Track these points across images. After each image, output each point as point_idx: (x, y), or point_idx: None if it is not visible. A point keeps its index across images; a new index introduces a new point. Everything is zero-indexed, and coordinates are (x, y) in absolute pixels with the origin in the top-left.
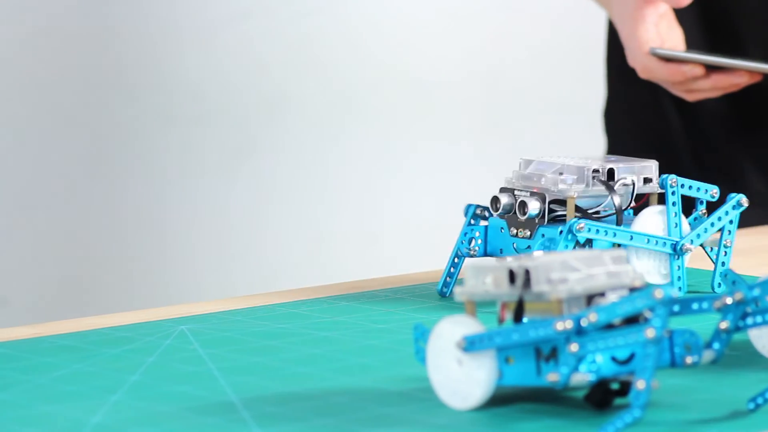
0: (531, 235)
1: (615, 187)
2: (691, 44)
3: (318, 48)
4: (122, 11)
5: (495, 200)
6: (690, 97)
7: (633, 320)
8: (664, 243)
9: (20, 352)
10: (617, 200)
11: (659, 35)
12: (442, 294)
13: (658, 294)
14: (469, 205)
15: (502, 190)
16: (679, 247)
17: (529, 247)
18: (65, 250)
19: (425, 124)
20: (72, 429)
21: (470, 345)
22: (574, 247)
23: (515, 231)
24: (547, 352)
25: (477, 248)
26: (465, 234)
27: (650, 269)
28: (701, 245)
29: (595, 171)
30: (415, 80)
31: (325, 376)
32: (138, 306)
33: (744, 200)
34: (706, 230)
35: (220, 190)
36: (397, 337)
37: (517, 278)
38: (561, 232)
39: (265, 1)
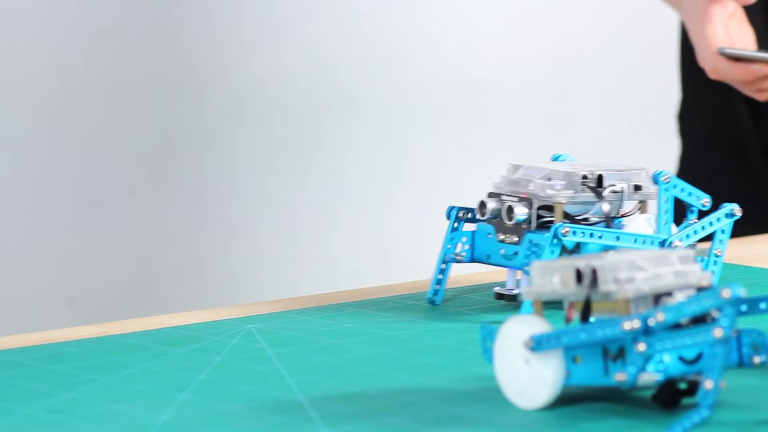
0: (518, 240)
1: (604, 194)
2: (763, 43)
3: (384, 47)
4: (189, 11)
5: (482, 205)
6: (760, 97)
7: (700, 320)
8: (652, 241)
9: (87, 351)
10: (606, 207)
11: (728, 35)
12: (432, 302)
13: (726, 293)
14: (452, 207)
15: (490, 195)
16: (667, 245)
17: (516, 253)
18: (132, 250)
19: (492, 124)
20: (140, 428)
21: (538, 344)
22: (561, 253)
23: (502, 236)
24: (615, 352)
25: (464, 254)
26: (452, 239)
27: None
28: None
29: (584, 177)
30: (480, 80)
31: (392, 375)
32: (205, 305)
33: (737, 210)
34: (696, 232)
35: (286, 189)
36: (464, 336)
37: (585, 278)
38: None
39: (332, 1)
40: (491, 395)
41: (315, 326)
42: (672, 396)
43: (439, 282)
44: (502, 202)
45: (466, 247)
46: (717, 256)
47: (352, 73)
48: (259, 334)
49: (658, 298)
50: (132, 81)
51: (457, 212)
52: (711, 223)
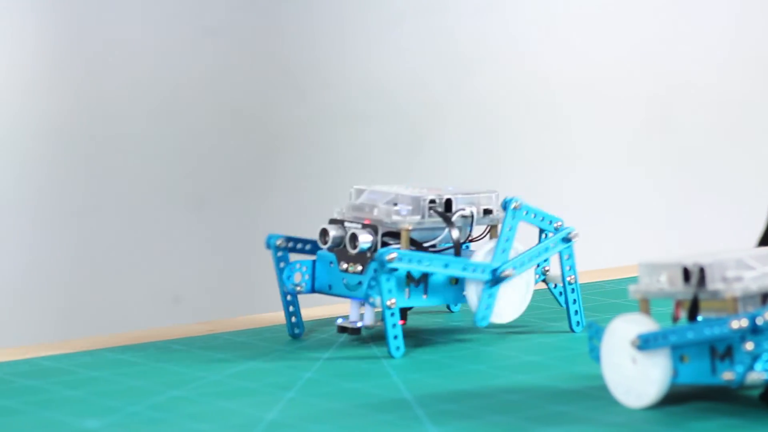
0: (363, 270)
1: (453, 219)
2: None
3: (495, 44)
4: (293, 10)
5: (324, 233)
6: None
7: None
8: (483, 269)
9: (194, 349)
10: (455, 233)
11: None
12: (296, 336)
13: None
14: (271, 236)
15: (332, 221)
16: (498, 273)
17: (360, 283)
18: (238, 248)
19: (597, 123)
20: (246, 426)
21: (645, 343)
22: (408, 284)
23: (345, 266)
24: (722, 351)
25: (303, 284)
26: (291, 268)
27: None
28: (544, 281)
29: (432, 201)
30: (582, 79)
31: (498, 373)
32: (310, 303)
33: (573, 234)
34: (530, 259)
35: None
36: (571, 335)
37: (692, 276)
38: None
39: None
40: (598, 394)
41: (421, 324)
42: None
43: (293, 314)
44: (345, 229)
45: (306, 277)
46: (571, 283)
47: (456, 72)
48: (365, 332)
49: (766, 297)
50: (236, 81)
51: (276, 241)
52: (546, 249)
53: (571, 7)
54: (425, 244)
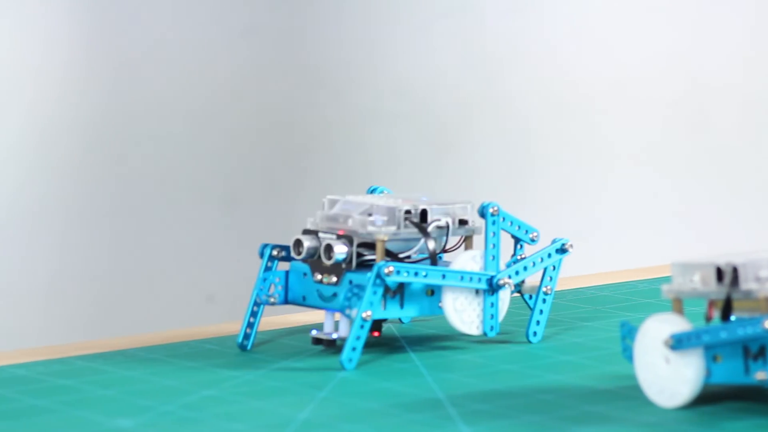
0: (337, 281)
1: (429, 230)
2: None
3: (525, 45)
4: (324, 10)
5: (298, 243)
6: None
7: None
8: (479, 279)
9: (228, 349)
10: (431, 244)
11: None
12: (243, 347)
13: None
14: (265, 245)
15: (305, 232)
16: (495, 282)
17: (335, 294)
18: None
19: (630, 122)
20: (279, 425)
21: (678, 343)
22: (384, 294)
23: (320, 277)
24: (756, 351)
25: (277, 295)
26: (264, 279)
27: (470, 315)
28: (519, 292)
29: (407, 212)
30: (621, 78)
31: (531, 373)
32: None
33: (569, 245)
34: (526, 268)
35: (422, 186)
36: (603, 335)
37: (725, 276)
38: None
39: None
40: (631, 393)
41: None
42: None
43: (250, 325)
44: (319, 240)
45: (279, 288)
46: (546, 294)
47: (491, 70)
48: (398, 332)
49: None
50: (268, 81)
51: (271, 250)
52: (542, 259)
53: (601, 8)
54: (400, 255)
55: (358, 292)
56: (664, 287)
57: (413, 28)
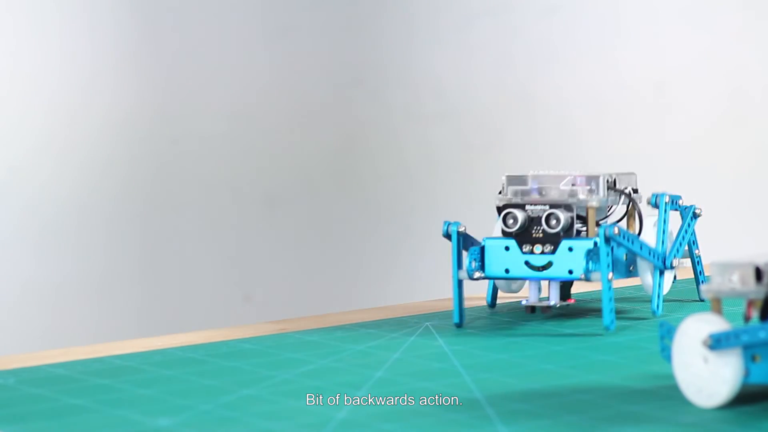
0: (554, 249)
1: (633, 196)
2: None
3: (562, 45)
4: (363, 10)
5: (512, 216)
6: None
7: None
8: (657, 257)
9: (265, 348)
10: (640, 208)
11: None
12: (459, 326)
13: None
14: (449, 223)
15: (507, 206)
16: (668, 264)
17: (549, 263)
18: (310, 248)
19: (671, 124)
20: (317, 425)
21: (716, 343)
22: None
23: (530, 248)
24: None
25: (479, 271)
26: (470, 255)
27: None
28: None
29: (607, 181)
30: (661, 80)
31: (569, 373)
32: (383, 302)
33: (699, 209)
34: (681, 243)
35: (459, 185)
36: (642, 334)
37: (765, 276)
38: (596, 244)
39: None
40: (669, 393)
41: (492, 324)
42: None
43: (460, 304)
44: (528, 212)
45: (475, 263)
46: (698, 257)
47: (530, 71)
48: (436, 332)
49: None
50: (308, 81)
51: (457, 228)
52: (686, 230)
53: (640, 8)
54: (599, 221)
55: (595, 257)
56: (703, 287)
57: (451, 27)
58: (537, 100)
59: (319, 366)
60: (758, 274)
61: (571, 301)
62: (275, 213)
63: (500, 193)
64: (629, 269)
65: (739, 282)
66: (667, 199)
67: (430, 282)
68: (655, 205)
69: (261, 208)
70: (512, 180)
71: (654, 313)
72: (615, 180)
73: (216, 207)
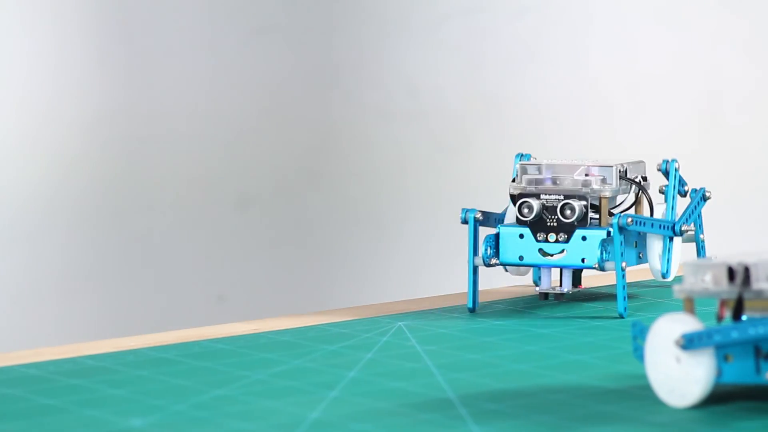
0: (568, 238)
1: (643, 184)
2: None
3: (535, 46)
4: (336, 8)
5: (527, 206)
6: None
7: None
8: (666, 226)
9: (238, 348)
10: (651, 195)
11: None
12: (472, 311)
13: None
14: (467, 210)
15: (522, 195)
16: (678, 229)
17: (563, 251)
18: (282, 247)
19: (644, 125)
20: (290, 425)
21: (689, 343)
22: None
23: (544, 236)
24: (767, 350)
25: (494, 258)
26: (486, 243)
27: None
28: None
29: (619, 171)
30: (635, 79)
31: (542, 373)
32: (355, 302)
33: (708, 192)
34: (688, 217)
35: (431, 185)
36: (614, 334)
37: (737, 276)
38: (609, 233)
39: None
40: (641, 393)
41: (464, 324)
42: None
43: (474, 290)
44: (543, 201)
45: (490, 250)
46: (702, 240)
47: (503, 71)
48: (409, 332)
49: None
50: (281, 80)
51: (474, 215)
52: (695, 208)
53: (612, 9)
54: (612, 210)
55: (608, 246)
56: (676, 287)
57: (425, 27)
58: (509, 100)
59: (293, 366)
60: (731, 274)
61: (581, 288)
62: (248, 213)
63: (513, 181)
64: (639, 256)
65: (712, 282)
66: (677, 165)
67: (403, 282)
68: (665, 172)
69: (234, 207)
70: (526, 169)
71: (663, 276)
72: (626, 170)
73: (189, 207)
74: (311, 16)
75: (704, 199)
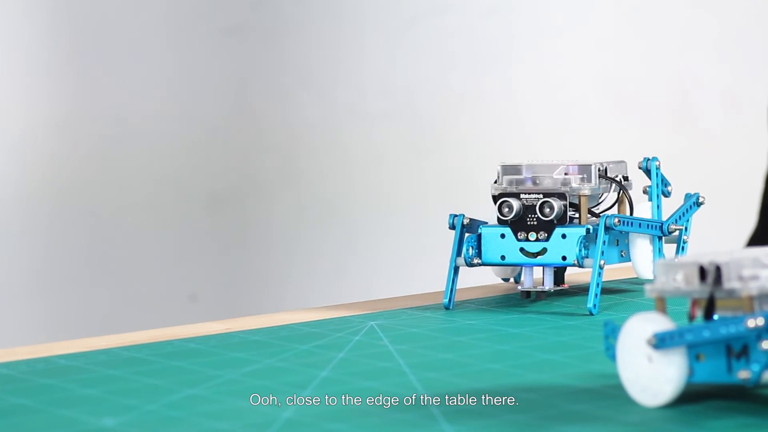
0: (548, 237)
1: (623, 183)
2: None
3: (504, 45)
4: (308, 8)
5: (507, 205)
6: None
7: None
8: (654, 226)
9: (211, 347)
10: (630, 194)
11: None
12: (447, 307)
13: None
14: (455, 216)
15: (502, 195)
16: (666, 228)
17: (544, 249)
18: (254, 247)
19: (615, 125)
20: (263, 424)
21: (661, 342)
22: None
23: (525, 235)
24: (738, 350)
25: (476, 258)
26: (467, 243)
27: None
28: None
29: (599, 170)
30: (605, 78)
31: (514, 372)
32: (327, 302)
33: (702, 197)
34: (679, 218)
35: (405, 185)
36: (586, 333)
37: (708, 275)
38: (588, 231)
39: None
40: (614, 392)
41: (437, 323)
42: None
43: (452, 288)
44: (522, 201)
45: (472, 251)
46: (685, 242)
47: (473, 69)
48: (381, 331)
49: None
50: (252, 81)
51: (462, 220)
52: (687, 210)
53: (580, 9)
54: (591, 209)
55: (588, 243)
56: (647, 286)
57: (396, 27)
58: (480, 99)
59: (265, 365)
60: (702, 273)
61: (565, 287)
62: (220, 212)
63: (495, 182)
64: (621, 254)
65: (684, 281)
66: (658, 163)
67: (374, 281)
68: (646, 170)
69: (206, 207)
70: (507, 169)
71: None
72: (606, 168)
73: (160, 206)
74: (281, 16)
75: (698, 204)
